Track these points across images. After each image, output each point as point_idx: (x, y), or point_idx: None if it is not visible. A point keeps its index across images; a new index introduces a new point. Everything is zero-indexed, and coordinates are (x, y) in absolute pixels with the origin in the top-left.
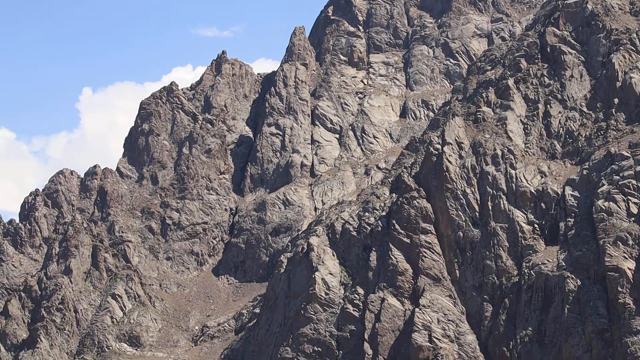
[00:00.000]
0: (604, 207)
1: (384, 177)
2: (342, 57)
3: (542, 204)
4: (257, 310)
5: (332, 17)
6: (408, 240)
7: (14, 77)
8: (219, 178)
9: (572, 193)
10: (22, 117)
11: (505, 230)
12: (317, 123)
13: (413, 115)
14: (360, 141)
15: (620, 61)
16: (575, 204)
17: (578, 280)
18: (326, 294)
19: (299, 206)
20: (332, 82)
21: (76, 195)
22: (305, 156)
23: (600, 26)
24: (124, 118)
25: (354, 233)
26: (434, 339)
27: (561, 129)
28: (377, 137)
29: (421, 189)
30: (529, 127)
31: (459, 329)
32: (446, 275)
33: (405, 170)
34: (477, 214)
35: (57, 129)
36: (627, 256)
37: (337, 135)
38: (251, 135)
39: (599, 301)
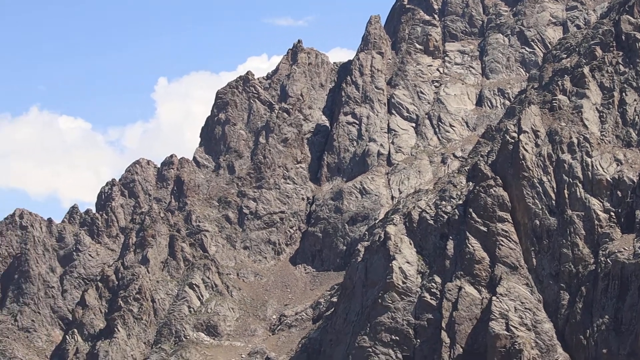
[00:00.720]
0: None
1: (460, 166)
2: (417, 45)
3: (618, 192)
4: (335, 299)
5: (407, 6)
6: (485, 229)
7: (90, 68)
8: (295, 167)
9: None
10: (98, 107)
11: (581, 219)
12: (394, 112)
13: (489, 104)
14: (437, 130)
15: None
16: None
17: None
18: (403, 282)
19: (376, 195)
20: (408, 71)
21: (153, 185)
22: (381, 145)
23: None
24: (199, 108)
25: (431, 222)
26: (511, 328)
27: (637, 116)
28: (453, 126)
29: (497, 177)
30: (604, 115)
31: (536, 317)
32: (523, 264)
33: (481, 158)
34: (553, 202)
35: (133, 119)
36: None
37: (414, 124)
38: (327, 124)
39: None
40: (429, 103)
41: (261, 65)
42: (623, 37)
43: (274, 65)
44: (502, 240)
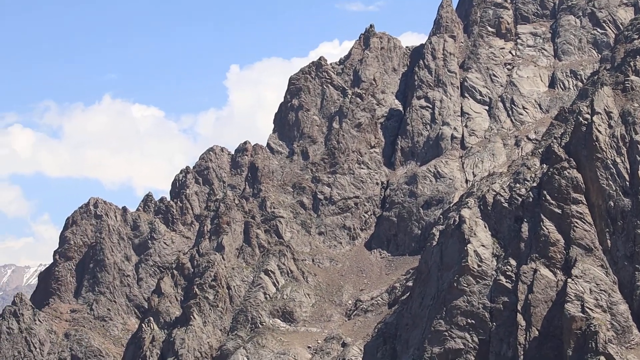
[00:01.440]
0: None
1: (534, 148)
2: (489, 28)
3: None
4: (410, 284)
5: None
6: (559, 211)
7: (161, 56)
8: (369, 152)
9: None
10: (170, 95)
11: None
12: (467, 95)
13: (562, 86)
14: (510, 112)
15: None
16: None
17: None
18: (479, 266)
19: (450, 178)
20: (481, 54)
21: (227, 172)
22: (455, 128)
23: None
24: (271, 94)
25: (505, 204)
26: (587, 309)
27: None
28: (526, 108)
29: (571, 159)
30: None
31: (612, 298)
32: (598, 245)
33: (555, 140)
34: (627, 183)
35: (205, 106)
36: None
37: (487, 107)
38: (401, 109)
39: None
40: (501, 86)
41: (333, 51)
42: None
43: (345, 50)
44: (576, 222)
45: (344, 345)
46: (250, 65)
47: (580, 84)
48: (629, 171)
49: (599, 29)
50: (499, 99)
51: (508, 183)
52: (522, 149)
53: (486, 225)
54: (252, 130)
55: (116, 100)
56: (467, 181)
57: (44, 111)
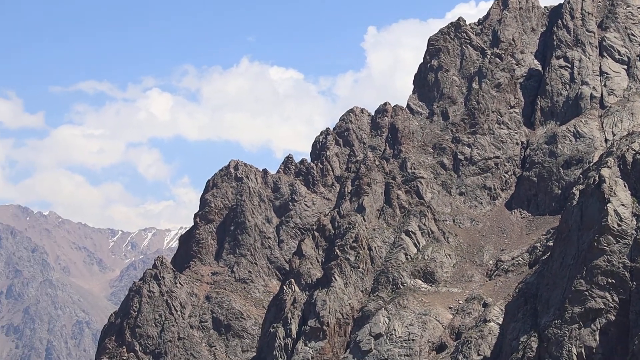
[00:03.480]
0: None
1: None
2: None
3: None
4: (551, 244)
5: None
6: None
7: (298, 18)
8: (509, 112)
9: None
10: (309, 57)
11: None
12: (605, 54)
13: None
14: None
15: None
16: None
17: None
18: (619, 225)
19: (590, 138)
20: (619, 13)
21: (367, 133)
22: (594, 88)
23: None
24: (409, 55)
25: None
26: None
27: None
28: None
29: None
30: None
31: None
32: None
33: None
34: None
35: (344, 68)
36: None
37: (625, 66)
38: (540, 69)
39: None
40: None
41: (469, 12)
42: None
43: (481, 12)
44: None
45: (485, 305)
46: (387, 27)
47: None
48: None
49: None
50: (638, 58)
51: None
52: None
53: (626, 184)
54: (390, 91)
55: (254, 63)
56: (606, 140)
57: (182, 75)
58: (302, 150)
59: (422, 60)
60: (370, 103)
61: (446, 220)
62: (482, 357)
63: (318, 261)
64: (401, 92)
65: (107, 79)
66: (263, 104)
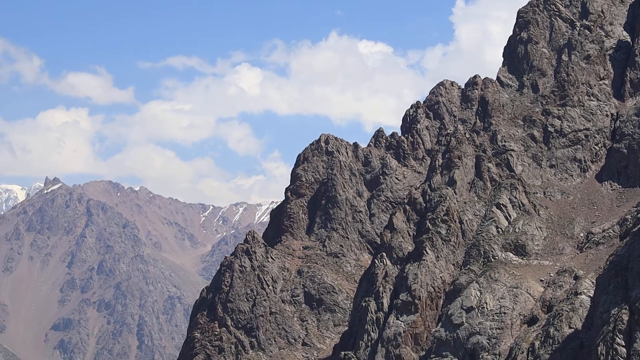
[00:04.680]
0: None
1: None
2: None
3: None
4: None
5: None
6: None
7: None
8: (598, 84)
9: None
10: (397, 31)
11: None
12: None
13: None
14: None
15: None
16: None
17: None
18: None
19: None
20: None
21: (457, 106)
22: None
23: None
24: (497, 27)
25: None
26: None
27: None
28: None
29: None
30: None
31: None
32: None
33: None
34: None
35: (432, 41)
36: None
37: None
38: (629, 40)
39: None
40: None
41: None
42: None
43: None
44: None
45: (576, 278)
46: (475, 0)
47: None
48: None
49: None
50: None
51: None
52: None
53: None
54: (479, 64)
55: (343, 37)
56: None
57: (271, 49)
58: (391, 124)
59: (511, 33)
60: (459, 76)
61: (537, 193)
62: (573, 329)
63: (409, 234)
64: (490, 64)
65: (196, 54)
66: (352, 77)
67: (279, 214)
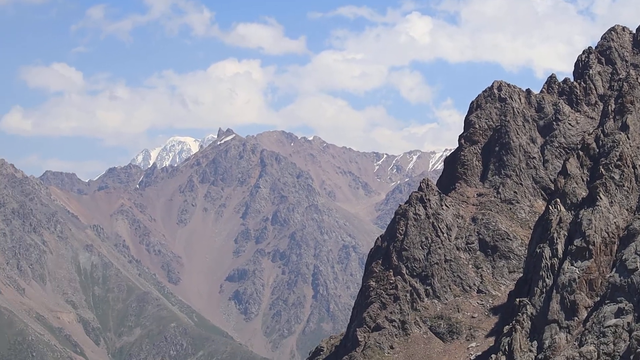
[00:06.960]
0: None
1: None
2: None
3: None
4: None
5: None
6: None
7: None
8: None
9: None
10: None
11: None
12: None
13: None
14: None
15: None
16: None
17: None
18: None
19: None
20: None
21: (629, 51)
22: None
23: None
24: None
25: None
26: None
27: None
28: None
29: None
30: None
31: None
32: None
33: None
34: None
35: None
36: None
37: None
38: None
39: None
40: None
41: None
42: None
43: None
44: None
45: None
46: None
47: None
48: None
49: None
50: None
51: None
52: None
53: None
54: None
55: None
56: None
57: None
58: (562, 70)
59: None
60: (630, 20)
61: None
62: None
63: (583, 180)
64: None
65: (365, 4)
66: (522, 24)
67: (452, 161)
